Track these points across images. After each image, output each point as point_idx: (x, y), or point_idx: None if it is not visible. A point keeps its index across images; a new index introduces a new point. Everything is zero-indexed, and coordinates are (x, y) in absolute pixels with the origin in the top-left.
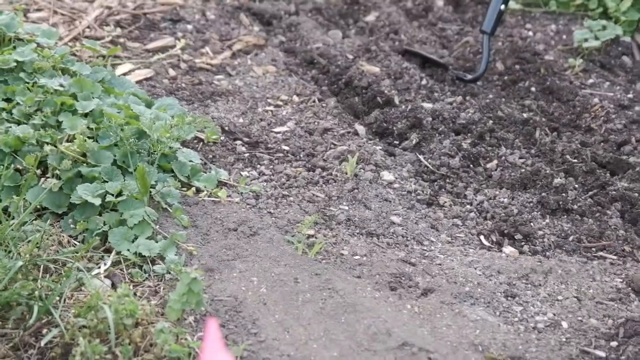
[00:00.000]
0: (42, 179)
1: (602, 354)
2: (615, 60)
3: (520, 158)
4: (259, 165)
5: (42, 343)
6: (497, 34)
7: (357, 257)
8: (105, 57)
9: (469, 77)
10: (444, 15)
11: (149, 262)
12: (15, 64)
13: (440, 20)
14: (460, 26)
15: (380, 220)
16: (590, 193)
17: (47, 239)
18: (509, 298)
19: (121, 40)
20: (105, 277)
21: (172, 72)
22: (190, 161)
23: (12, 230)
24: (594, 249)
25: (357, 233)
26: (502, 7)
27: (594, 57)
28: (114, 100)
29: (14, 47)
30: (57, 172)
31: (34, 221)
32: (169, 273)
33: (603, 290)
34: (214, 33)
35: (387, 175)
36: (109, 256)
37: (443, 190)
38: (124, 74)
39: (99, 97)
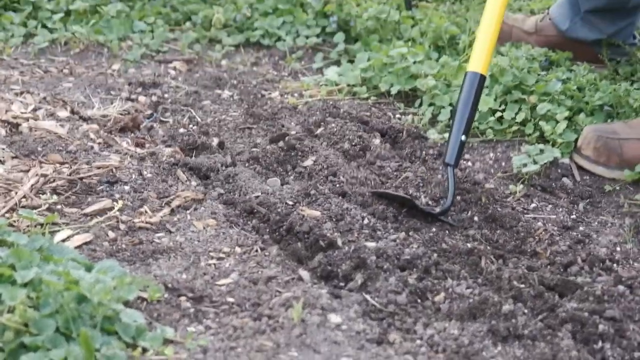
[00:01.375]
0: None
1: None
2: (556, 182)
3: (467, 288)
4: (205, 320)
5: None
6: (437, 165)
7: None
8: (43, 225)
9: (437, 210)
10: (381, 153)
11: None
12: None
13: (378, 159)
14: (399, 162)
15: None
16: (540, 317)
17: None
18: None
19: (58, 207)
20: None
21: (111, 234)
22: (135, 321)
23: None
24: None
25: None
26: (463, 137)
27: (535, 182)
28: (53, 267)
29: None
30: (0, 344)
31: None
32: None
33: None
34: (151, 191)
35: (334, 318)
36: None
37: (392, 327)
38: (63, 240)
39: (38, 266)
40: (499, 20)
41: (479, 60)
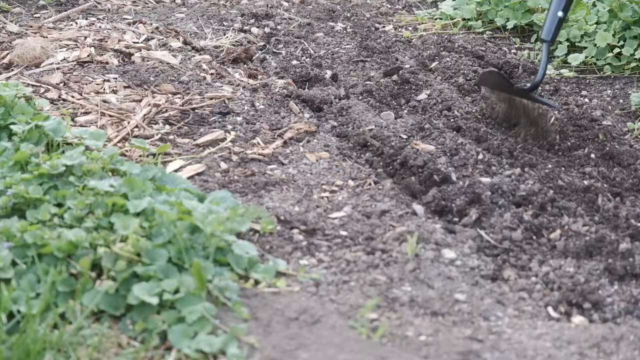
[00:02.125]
0: (98, 282)
1: None
2: None
3: (584, 226)
4: (317, 253)
5: None
6: (554, 101)
7: (422, 337)
8: (155, 155)
9: (528, 85)
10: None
11: (211, 357)
12: (64, 168)
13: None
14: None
15: (444, 299)
16: None
17: (106, 342)
18: None
19: (170, 137)
20: None
21: (223, 165)
22: (247, 253)
23: (70, 335)
24: None
25: (422, 313)
26: (560, 14)
27: None
28: (165, 197)
29: (63, 152)
30: (112, 273)
31: (91, 325)
32: None
33: None
34: (264, 123)
35: (448, 253)
36: (170, 354)
37: (507, 264)
38: (175, 171)
39: (151, 196)
40: None
41: None
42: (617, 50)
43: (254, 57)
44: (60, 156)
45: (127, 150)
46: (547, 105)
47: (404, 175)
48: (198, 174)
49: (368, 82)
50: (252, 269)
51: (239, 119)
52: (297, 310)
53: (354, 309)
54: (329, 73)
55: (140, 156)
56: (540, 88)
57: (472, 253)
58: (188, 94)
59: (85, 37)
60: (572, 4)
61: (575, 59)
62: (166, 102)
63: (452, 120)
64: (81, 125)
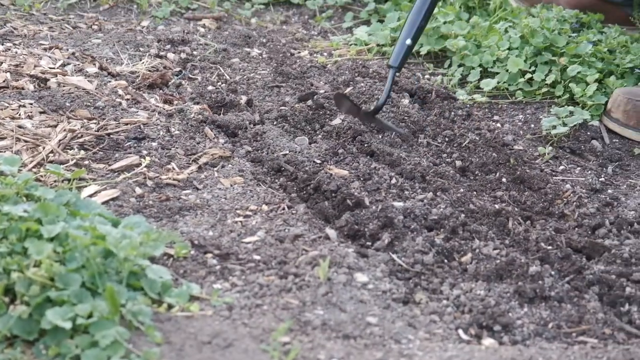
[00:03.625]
0: (11, 307)
1: None
2: (585, 145)
3: (494, 249)
4: (230, 277)
5: None
6: (466, 126)
7: None
8: (70, 181)
9: (371, 109)
10: (410, 112)
11: None
12: None
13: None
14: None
15: (357, 322)
16: (567, 279)
17: None
18: None
19: (86, 162)
20: None
21: (138, 190)
22: (161, 277)
23: None
24: (574, 334)
25: (334, 337)
26: (409, 42)
27: (564, 144)
28: (80, 222)
29: None
30: (26, 298)
31: (4, 350)
32: None
33: None
34: (179, 148)
35: (360, 277)
36: None
37: (419, 287)
38: (90, 196)
39: (65, 221)
40: None
41: None
42: (528, 75)
43: (169, 83)
44: None
45: (42, 176)
46: (394, 130)
47: (317, 199)
48: (113, 199)
49: (283, 107)
50: (166, 293)
51: (154, 144)
52: (210, 334)
53: (266, 332)
54: (244, 98)
55: (55, 181)
56: (452, 113)
57: (384, 277)
58: (103, 119)
59: (1, 63)
60: (421, 34)
61: (488, 84)
62: (82, 127)
63: (365, 145)
64: None
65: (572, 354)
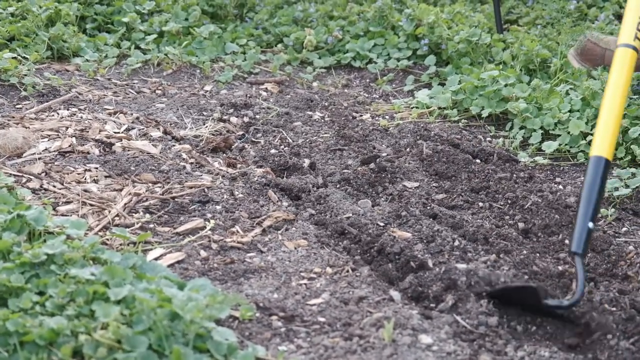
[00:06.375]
0: None
1: None
2: None
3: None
4: (296, 339)
5: None
6: (528, 188)
7: None
8: (136, 244)
9: (566, 303)
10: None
11: None
12: (45, 257)
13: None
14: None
15: None
16: (632, 340)
17: None
18: None
19: (151, 225)
20: None
21: (203, 253)
22: (226, 340)
23: None
24: None
25: None
26: (590, 225)
27: (626, 205)
28: (146, 285)
29: (44, 241)
30: None
31: None
32: None
33: None
34: (243, 211)
35: (425, 339)
36: None
37: (483, 348)
38: (155, 259)
39: (131, 284)
40: (623, 100)
41: (603, 144)
42: (590, 137)
43: (233, 146)
44: (42, 245)
45: (108, 239)
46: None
47: (381, 262)
48: (178, 262)
49: (346, 171)
50: (232, 355)
51: (218, 207)
52: None
53: None
54: (307, 162)
55: (120, 244)
56: (515, 175)
57: (448, 338)
58: (168, 182)
59: (67, 128)
60: (599, 212)
61: (549, 146)
62: (146, 191)
63: (428, 207)
64: (62, 215)
65: None
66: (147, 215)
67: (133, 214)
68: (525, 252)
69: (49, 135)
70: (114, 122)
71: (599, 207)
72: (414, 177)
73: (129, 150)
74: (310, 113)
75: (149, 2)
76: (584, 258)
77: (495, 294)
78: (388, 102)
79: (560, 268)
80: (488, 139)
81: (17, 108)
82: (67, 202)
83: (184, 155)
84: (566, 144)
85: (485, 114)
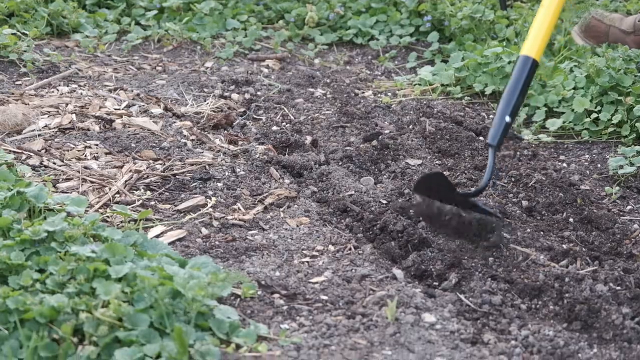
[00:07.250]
0: (80, 347)
1: None
2: None
3: None
4: (298, 317)
5: None
6: (532, 166)
7: None
8: (137, 221)
9: (472, 191)
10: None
11: None
12: (46, 234)
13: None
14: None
15: None
16: (637, 319)
17: None
18: None
19: (152, 203)
20: None
21: (204, 231)
22: (228, 318)
23: None
24: None
25: None
26: (507, 119)
27: (631, 183)
28: (147, 263)
29: (44, 218)
30: (94, 339)
31: None
32: None
33: None
34: (244, 189)
35: (428, 317)
36: None
37: (487, 327)
38: (157, 237)
39: (132, 261)
40: (560, 5)
41: (533, 45)
42: (594, 115)
43: (234, 123)
44: (42, 222)
45: (108, 216)
46: (492, 215)
47: (383, 240)
48: (179, 240)
49: (348, 148)
50: (234, 333)
51: (219, 184)
52: None
53: None
54: (309, 139)
55: (121, 222)
56: (518, 153)
57: (451, 317)
58: (169, 160)
59: (67, 104)
60: (519, 110)
61: (553, 124)
62: (147, 168)
63: None
64: (63, 192)
65: None
66: (148, 193)
67: (134, 191)
68: (529, 230)
69: (49, 112)
70: (114, 98)
71: (519, 105)
72: (417, 154)
73: (129, 127)
74: (312, 90)
75: None
76: (498, 150)
77: (417, 189)
78: (390, 79)
79: (564, 246)
80: (491, 116)
81: (17, 84)
82: (67, 179)
83: (185, 132)
84: (570, 122)
85: (488, 91)
